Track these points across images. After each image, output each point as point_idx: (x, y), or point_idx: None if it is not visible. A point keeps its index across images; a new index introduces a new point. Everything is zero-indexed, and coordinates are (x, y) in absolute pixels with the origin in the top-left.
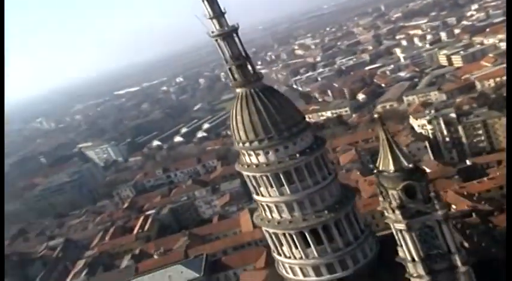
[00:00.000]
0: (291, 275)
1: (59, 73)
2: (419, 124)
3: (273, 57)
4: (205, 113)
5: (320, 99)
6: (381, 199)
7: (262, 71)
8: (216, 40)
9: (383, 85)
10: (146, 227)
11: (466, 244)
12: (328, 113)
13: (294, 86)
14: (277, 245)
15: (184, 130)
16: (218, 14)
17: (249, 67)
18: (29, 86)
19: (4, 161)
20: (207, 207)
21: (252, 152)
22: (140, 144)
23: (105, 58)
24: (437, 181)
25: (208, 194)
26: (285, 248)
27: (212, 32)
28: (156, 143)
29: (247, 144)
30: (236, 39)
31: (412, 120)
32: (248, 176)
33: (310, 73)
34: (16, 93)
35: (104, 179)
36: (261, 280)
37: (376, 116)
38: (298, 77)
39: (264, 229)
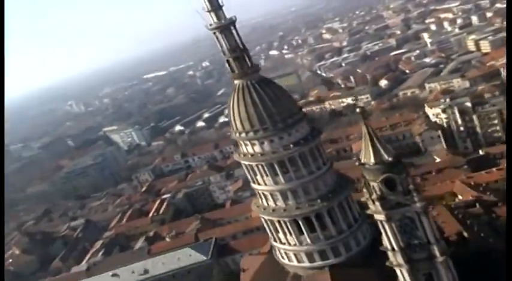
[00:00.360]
0: (286, 261)
1: (94, 55)
2: (434, 113)
3: (300, 41)
4: (228, 98)
5: (343, 86)
6: (364, 190)
7: (288, 56)
8: (214, 33)
9: (407, 71)
10: (161, 210)
11: (465, 234)
12: (349, 100)
13: (318, 72)
14: (273, 232)
15: (206, 115)
16: (216, 7)
17: (247, 59)
18: (65, 69)
19: (4, 161)
20: (220, 192)
21: (248, 142)
22: (163, 128)
23: (138, 42)
24: (446, 171)
25: (223, 179)
26: (281, 234)
27: (210, 25)
28: (178, 128)
29: (243, 134)
30: (234, 31)
31: (427, 109)
32: (245, 165)
33: (334, 58)
34: (52, 75)
35: (126, 163)
36: (259, 265)
37: (358, 110)
38: (323, 62)
39: (260, 216)
